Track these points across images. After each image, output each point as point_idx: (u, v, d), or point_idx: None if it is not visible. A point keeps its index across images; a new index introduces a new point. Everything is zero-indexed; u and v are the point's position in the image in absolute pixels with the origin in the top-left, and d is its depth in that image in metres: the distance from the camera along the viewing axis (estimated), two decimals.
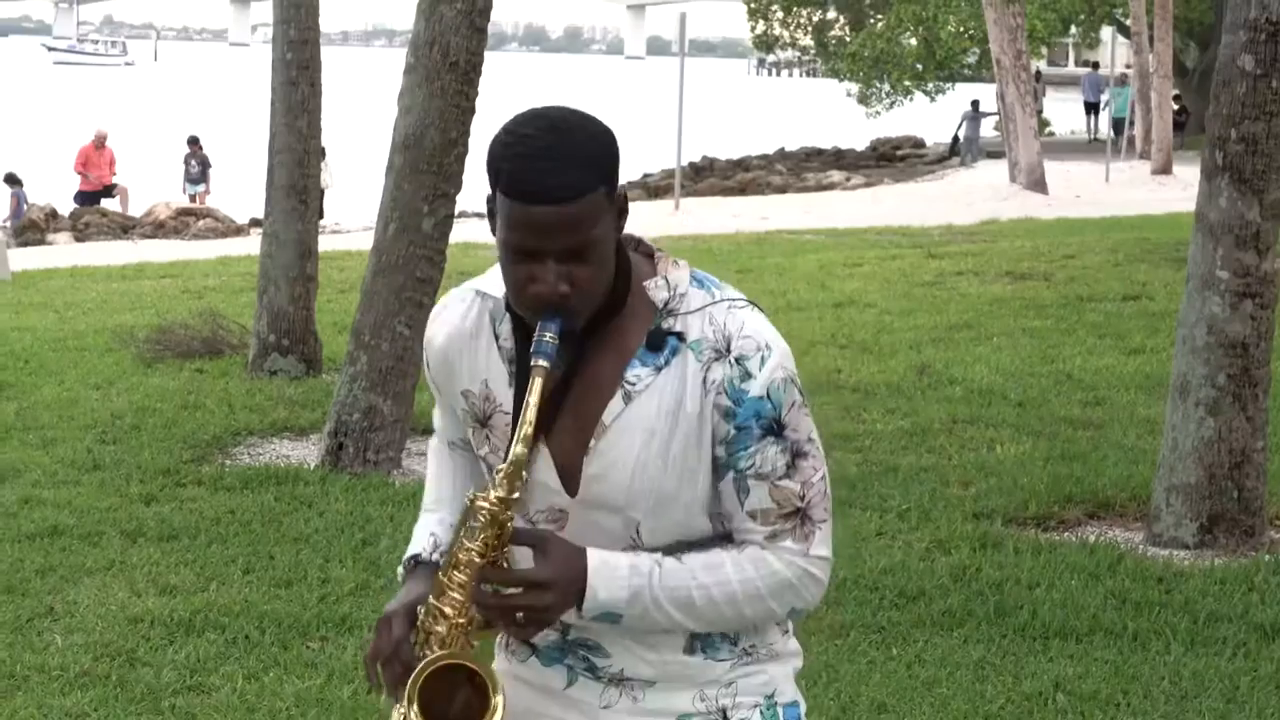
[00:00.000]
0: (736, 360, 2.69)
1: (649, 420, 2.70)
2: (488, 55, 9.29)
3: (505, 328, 2.78)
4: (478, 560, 2.70)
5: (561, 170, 2.60)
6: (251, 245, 20.24)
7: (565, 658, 2.83)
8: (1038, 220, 24.76)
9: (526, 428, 2.64)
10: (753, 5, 52.82)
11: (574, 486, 2.74)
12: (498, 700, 2.71)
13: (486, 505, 2.68)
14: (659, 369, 2.71)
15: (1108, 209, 27.21)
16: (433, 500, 3.00)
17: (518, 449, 2.65)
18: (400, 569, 2.93)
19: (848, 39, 50.85)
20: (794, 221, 25.59)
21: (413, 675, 2.72)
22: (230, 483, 8.80)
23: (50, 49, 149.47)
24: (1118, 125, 41.07)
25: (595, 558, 2.69)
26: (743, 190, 36.48)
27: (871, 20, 51.56)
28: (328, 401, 9.77)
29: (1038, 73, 54.52)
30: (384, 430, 9.13)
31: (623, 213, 2.70)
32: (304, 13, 11.65)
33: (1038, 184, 31.39)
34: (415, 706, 2.71)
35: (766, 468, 2.71)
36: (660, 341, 2.71)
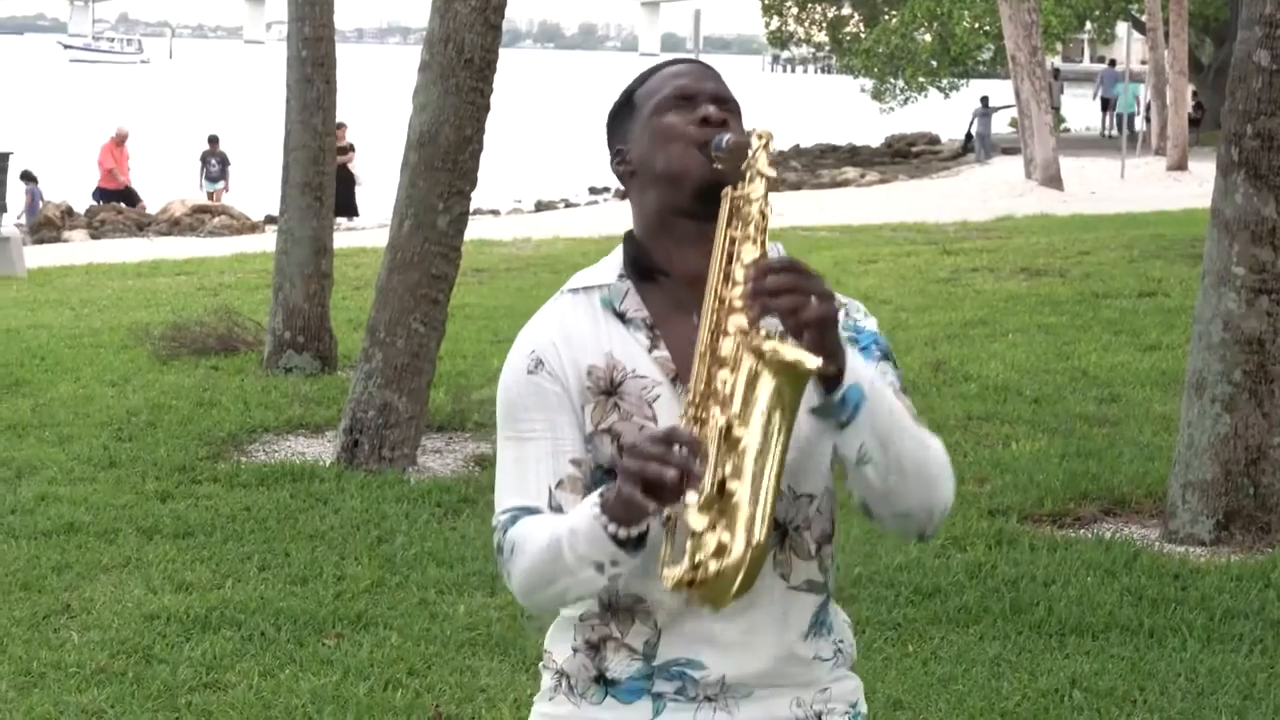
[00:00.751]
0: (843, 310, 2.70)
1: None
2: (502, 52, 9.29)
3: (631, 301, 2.72)
4: (751, 256, 2.55)
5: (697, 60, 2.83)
6: (267, 242, 20.26)
7: (651, 685, 2.71)
8: (1053, 216, 24.74)
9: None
10: (767, 1, 52.81)
11: None
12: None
13: (747, 194, 2.59)
14: None
15: (1123, 205, 27.17)
16: (557, 522, 2.64)
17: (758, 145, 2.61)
18: (595, 510, 2.54)
19: (862, 35, 50.82)
20: (809, 218, 25.57)
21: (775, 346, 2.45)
22: (246, 480, 8.81)
23: (66, 46, 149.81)
24: (1120, 120, 40.97)
25: None
26: None
27: (886, 16, 51.50)
28: (343, 398, 9.78)
29: (1056, 70, 54.53)
30: (399, 427, 9.14)
31: None
32: (319, 10, 11.66)
33: (1053, 180, 31.35)
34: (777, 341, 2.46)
35: (889, 377, 2.70)
36: None
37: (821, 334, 2.47)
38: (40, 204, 28.73)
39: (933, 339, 12.98)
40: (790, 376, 2.47)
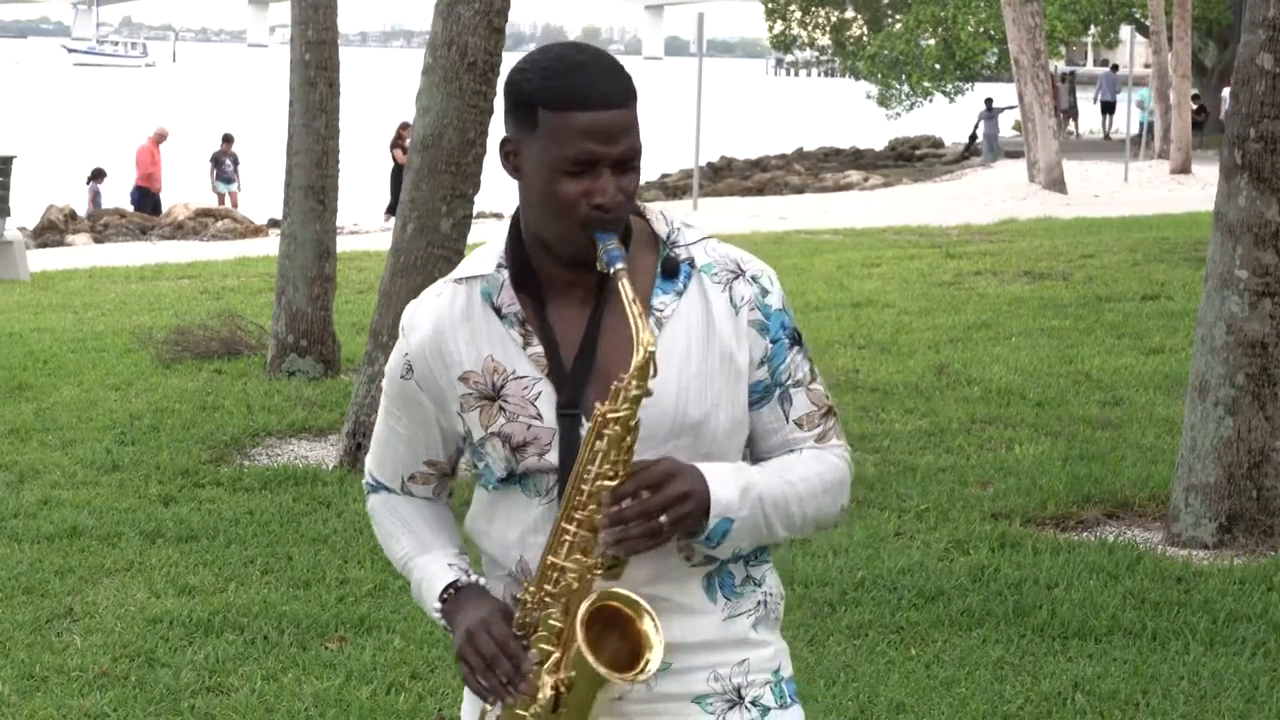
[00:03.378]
0: (753, 279, 2.79)
1: (682, 344, 2.74)
2: (505, 55, 9.28)
3: (505, 295, 2.78)
4: (609, 483, 2.66)
5: (615, 77, 2.68)
6: (270, 246, 20.29)
7: None
8: (1056, 220, 24.73)
9: (640, 320, 2.63)
10: (771, 5, 52.86)
11: None
12: (654, 648, 2.69)
13: (618, 414, 2.64)
14: (679, 294, 2.77)
15: (1126, 208, 27.17)
16: (415, 548, 2.94)
17: (646, 336, 2.62)
18: (437, 605, 2.86)
19: (866, 39, 50.83)
20: (812, 221, 25.57)
21: (579, 613, 2.67)
22: (249, 483, 8.81)
23: (70, 50, 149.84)
24: (1144, 128, 40.79)
25: (700, 465, 2.72)
26: (761, 190, 36.47)
27: (890, 20, 51.54)
28: (346, 402, 9.78)
29: (1071, 73, 54.53)
30: None
31: None
32: (322, 14, 11.67)
33: (1056, 183, 31.35)
34: (584, 643, 2.66)
35: (799, 374, 2.82)
36: (674, 269, 2.78)
37: (653, 542, 2.67)
38: (99, 202, 29.37)
39: (936, 342, 12.97)
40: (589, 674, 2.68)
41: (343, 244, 14.49)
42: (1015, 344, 12.89)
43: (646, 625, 2.68)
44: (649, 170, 40.79)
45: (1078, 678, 6.14)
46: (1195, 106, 42.03)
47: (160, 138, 30.73)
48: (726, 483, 2.71)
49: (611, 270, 2.65)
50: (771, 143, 48.55)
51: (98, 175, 30.13)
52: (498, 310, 2.78)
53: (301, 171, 11.74)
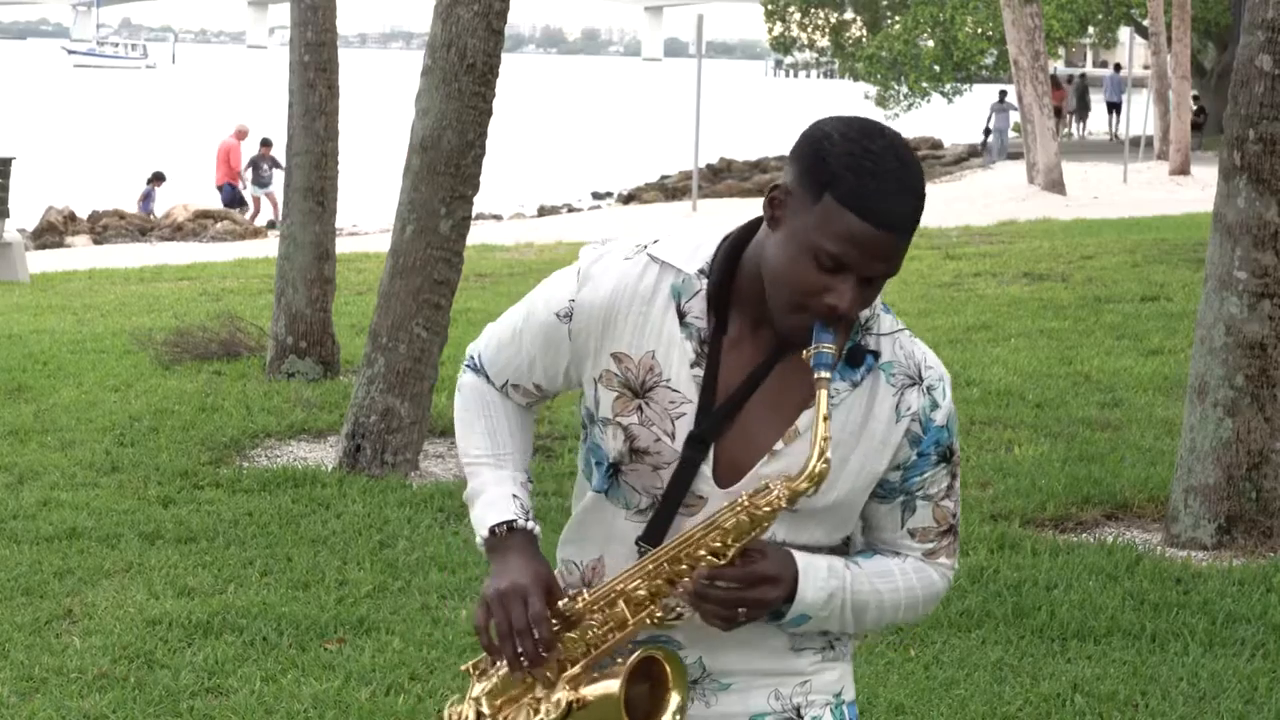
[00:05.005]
0: (928, 390, 2.75)
1: (835, 436, 2.68)
2: (505, 57, 9.30)
3: (696, 306, 2.71)
4: (710, 557, 2.64)
5: (912, 199, 2.61)
6: (269, 247, 20.29)
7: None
8: (1055, 221, 24.73)
9: (823, 443, 2.60)
10: (770, 7, 52.84)
11: (727, 479, 2.71)
12: (674, 696, 2.70)
13: (757, 512, 2.63)
14: (854, 385, 2.72)
15: (1126, 210, 27.17)
16: (490, 453, 2.90)
17: (819, 465, 2.60)
18: (486, 534, 2.83)
19: (865, 40, 50.84)
20: None
21: (628, 664, 2.67)
22: (248, 485, 8.81)
23: (70, 52, 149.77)
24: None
25: (800, 558, 2.70)
26: (760, 191, 36.41)
27: (889, 22, 51.53)
28: (345, 404, 9.78)
29: (1082, 74, 54.48)
30: (401, 432, 9.14)
31: None
32: (321, 15, 11.67)
33: (1055, 185, 31.35)
34: (623, 694, 2.66)
35: (933, 489, 2.78)
36: (860, 358, 2.73)
37: (727, 624, 2.68)
38: (152, 203, 29.75)
39: (935, 344, 12.97)
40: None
41: (342, 245, 14.49)
42: (1014, 345, 12.90)
43: (673, 702, 2.70)
44: (648, 172, 40.85)
45: (1077, 679, 6.14)
46: (1195, 108, 42.03)
47: (242, 134, 30.90)
48: (817, 586, 2.70)
49: (815, 374, 2.61)
50: (771, 144, 48.49)
51: (157, 178, 30.29)
52: (681, 314, 2.71)
53: (301, 173, 11.74)
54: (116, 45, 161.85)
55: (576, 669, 2.70)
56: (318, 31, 11.65)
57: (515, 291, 16.34)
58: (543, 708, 2.72)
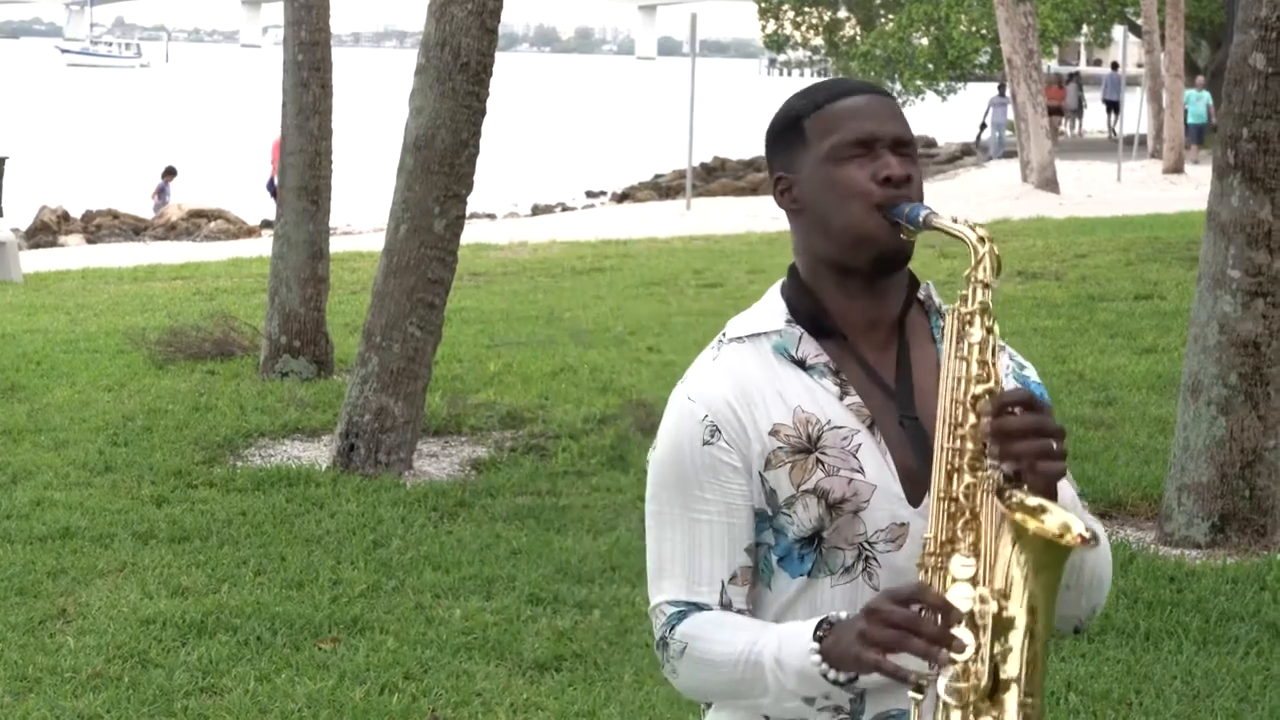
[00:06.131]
0: (1010, 355, 2.71)
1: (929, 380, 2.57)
2: (498, 56, 9.29)
3: (807, 347, 2.57)
4: (984, 386, 2.39)
5: (872, 85, 2.66)
6: (263, 247, 20.27)
7: None
8: (1049, 220, 24.73)
9: (964, 226, 2.45)
10: (764, 5, 52.88)
11: (918, 495, 2.51)
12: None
13: (970, 309, 2.43)
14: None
15: (1119, 208, 27.17)
16: (758, 630, 2.47)
17: (981, 231, 2.44)
18: (813, 647, 2.36)
19: (859, 39, 50.88)
20: None
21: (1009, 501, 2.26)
22: (242, 484, 8.81)
23: (64, 51, 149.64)
24: (1189, 131, 39.74)
25: None
26: (754, 190, 36.42)
27: (882, 20, 51.57)
28: (339, 403, 9.77)
29: (1077, 73, 54.51)
30: (395, 431, 9.14)
31: None
32: (315, 14, 11.66)
33: (1049, 183, 31.36)
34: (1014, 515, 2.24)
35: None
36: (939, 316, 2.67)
37: (1054, 487, 2.31)
38: (166, 198, 29.88)
39: None
40: (1050, 550, 2.25)
41: (336, 245, 14.46)
42: (1008, 343, 12.85)
43: (1051, 519, 2.24)
44: (642, 170, 40.82)
45: (1070, 677, 6.14)
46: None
47: None
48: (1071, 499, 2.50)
49: (920, 218, 2.47)
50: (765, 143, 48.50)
51: (170, 173, 30.33)
52: (800, 363, 2.55)
53: (295, 172, 11.73)
54: (110, 44, 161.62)
55: (972, 571, 2.33)
56: (311, 30, 11.65)
57: (509, 290, 16.34)
58: (971, 680, 2.26)
